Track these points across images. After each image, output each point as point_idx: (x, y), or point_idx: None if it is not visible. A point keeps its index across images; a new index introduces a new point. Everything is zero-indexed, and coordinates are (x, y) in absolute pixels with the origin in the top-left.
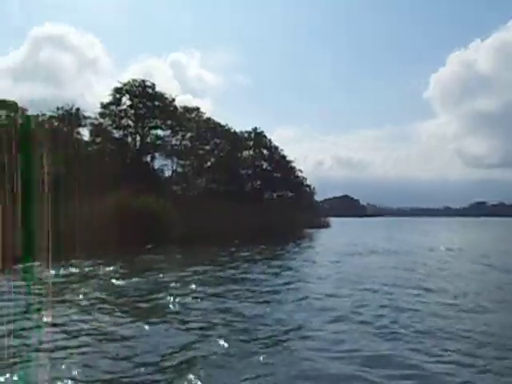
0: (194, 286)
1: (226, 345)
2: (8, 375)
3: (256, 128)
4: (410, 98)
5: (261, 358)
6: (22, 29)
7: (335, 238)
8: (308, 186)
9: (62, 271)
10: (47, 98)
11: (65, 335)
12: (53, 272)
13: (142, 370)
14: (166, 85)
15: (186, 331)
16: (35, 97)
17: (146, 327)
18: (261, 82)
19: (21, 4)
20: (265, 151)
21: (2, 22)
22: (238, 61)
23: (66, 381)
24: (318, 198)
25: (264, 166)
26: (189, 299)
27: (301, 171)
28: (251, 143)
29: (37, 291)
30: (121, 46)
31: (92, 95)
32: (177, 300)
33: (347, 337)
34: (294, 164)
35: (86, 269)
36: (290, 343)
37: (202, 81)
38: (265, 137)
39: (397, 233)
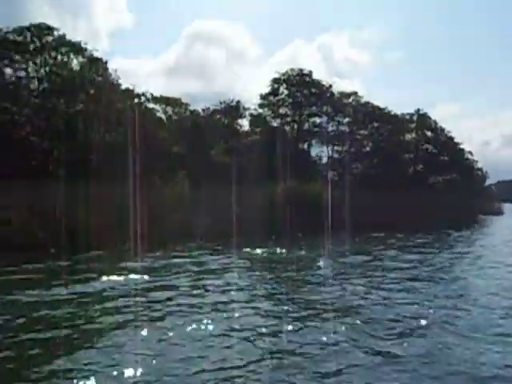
0: (357, 270)
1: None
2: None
3: (419, 109)
4: None
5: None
6: (177, 28)
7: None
8: (479, 169)
9: (258, 251)
10: (200, 92)
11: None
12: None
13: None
14: (313, 69)
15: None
16: (189, 91)
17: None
18: (413, 57)
19: (175, 5)
20: (429, 133)
21: (158, 24)
22: (387, 36)
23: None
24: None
25: (428, 149)
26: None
27: (471, 153)
28: (413, 125)
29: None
30: (268, 33)
31: (241, 85)
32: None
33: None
34: (462, 146)
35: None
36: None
37: (350, 61)
38: (429, 118)
39: None
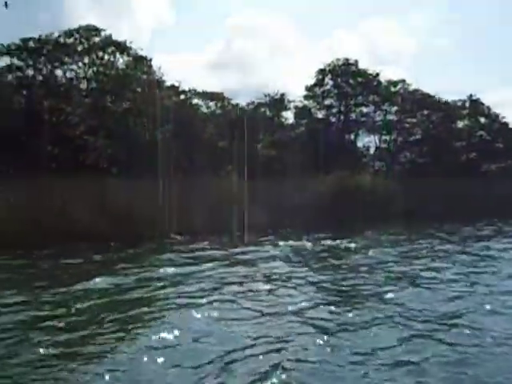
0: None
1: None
2: None
3: (471, 95)
4: None
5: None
6: (216, 22)
7: None
8: None
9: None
10: (240, 85)
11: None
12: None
13: None
14: (357, 57)
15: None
16: (229, 85)
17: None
18: (461, 43)
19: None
20: (482, 119)
21: (197, 19)
22: (433, 22)
23: None
24: None
25: (482, 136)
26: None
27: None
28: (465, 112)
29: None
30: (308, 23)
31: (282, 77)
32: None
33: None
34: None
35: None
36: None
37: (394, 48)
38: (482, 104)
39: None
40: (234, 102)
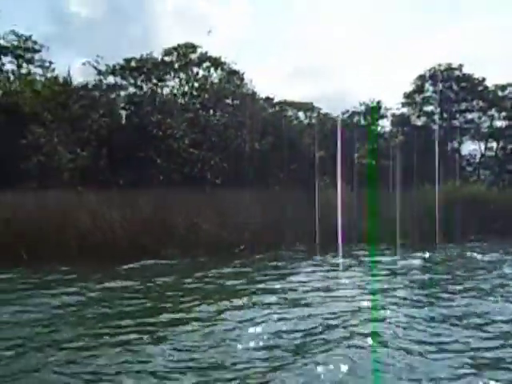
0: None
1: None
2: None
3: None
4: None
5: None
6: (296, 31)
7: None
8: None
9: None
10: (320, 94)
11: None
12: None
13: None
14: (447, 60)
15: None
16: (311, 94)
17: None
18: None
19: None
20: None
21: (278, 29)
22: None
23: None
24: None
25: None
26: None
27: None
28: None
29: None
30: (390, 27)
31: (366, 84)
32: None
33: None
34: None
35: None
36: None
37: (485, 49)
38: None
39: None
40: (322, 111)
